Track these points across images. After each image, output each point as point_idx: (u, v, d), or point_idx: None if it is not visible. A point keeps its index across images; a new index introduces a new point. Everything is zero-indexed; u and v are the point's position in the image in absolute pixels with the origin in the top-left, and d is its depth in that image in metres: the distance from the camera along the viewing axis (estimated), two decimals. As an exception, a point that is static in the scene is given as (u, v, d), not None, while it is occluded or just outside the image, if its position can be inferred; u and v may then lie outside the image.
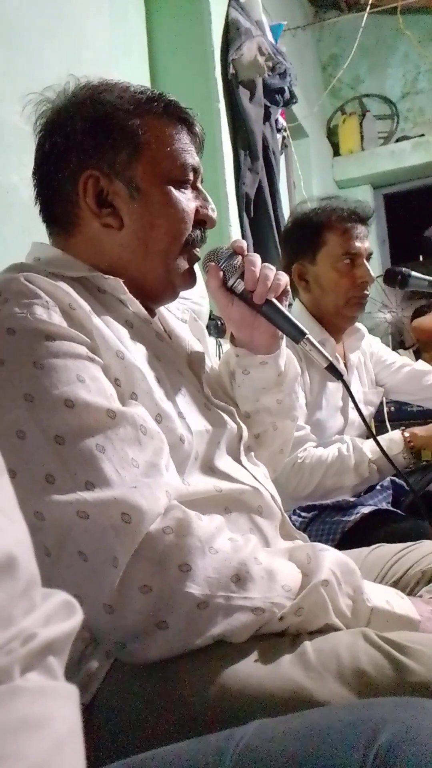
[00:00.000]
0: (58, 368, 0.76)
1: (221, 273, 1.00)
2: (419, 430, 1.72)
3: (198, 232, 0.98)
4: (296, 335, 0.99)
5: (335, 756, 0.46)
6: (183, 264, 0.98)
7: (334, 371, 1.02)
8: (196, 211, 0.97)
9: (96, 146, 0.92)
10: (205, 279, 1.04)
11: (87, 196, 0.93)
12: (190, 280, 1.00)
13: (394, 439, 1.72)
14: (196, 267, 1.02)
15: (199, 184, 1.00)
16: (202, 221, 0.98)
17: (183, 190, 0.96)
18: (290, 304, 1.57)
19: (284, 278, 1.01)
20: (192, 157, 0.97)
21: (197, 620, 0.70)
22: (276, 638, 0.74)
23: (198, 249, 1.00)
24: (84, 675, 0.74)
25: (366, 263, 1.78)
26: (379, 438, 1.74)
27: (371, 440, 1.74)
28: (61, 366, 0.76)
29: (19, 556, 0.36)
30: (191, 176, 0.97)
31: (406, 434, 1.71)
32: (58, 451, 0.72)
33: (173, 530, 0.73)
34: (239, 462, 0.98)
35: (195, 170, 0.97)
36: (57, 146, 0.93)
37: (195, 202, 0.97)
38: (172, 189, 0.94)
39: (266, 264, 1.00)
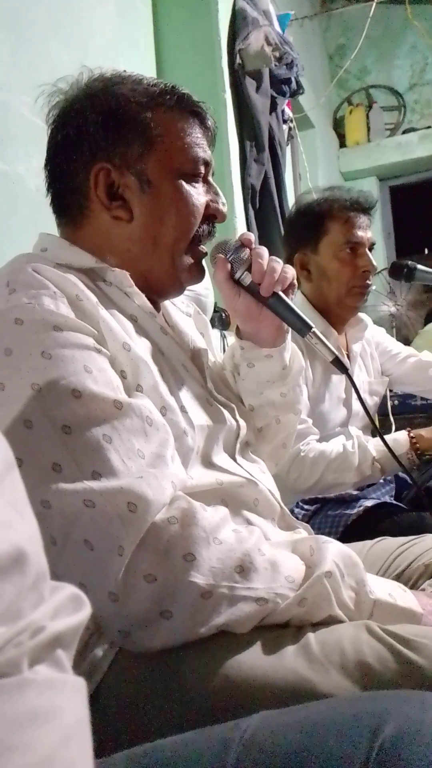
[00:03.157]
0: (65, 358, 0.76)
1: (229, 265, 1.00)
2: (425, 432, 1.71)
3: (206, 226, 0.98)
4: (302, 328, 0.99)
5: (339, 748, 0.47)
6: (189, 259, 0.98)
7: (339, 365, 1.02)
8: (207, 205, 0.97)
9: (108, 139, 0.92)
10: (211, 271, 1.04)
11: (98, 189, 0.93)
12: (197, 274, 1.00)
13: (399, 439, 1.71)
14: (204, 261, 1.02)
15: (210, 178, 1.00)
16: (212, 215, 0.98)
17: (194, 184, 0.96)
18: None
19: (291, 271, 1.01)
20: (203, 151, 0.96)
21: (201, 610, 0.71)
22: (279, 630, 0.75)
23: (204, 245, 1.00)
24: (88, 664, 0.74)
25: (368, 252, 1.77)
26: (386, 437, 1.74)
27: (376, 438, 1.74)
28: (69, 356, 0.77)
29: (29, 551, 0.36)
30: (202, 170, 0.97)
31: (412, 435, 1.70)
32: (65, 440, 0.73)
33: (178, 520, 0.73)
34: (234, 459, 0.98)
35: (206, 164, 0.97)
36: (69, 138, 0.93)
37: (206, 197, 0.97)
38: (183, 183, 0.94)
39: (273, 257, 1.00)
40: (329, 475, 1.61)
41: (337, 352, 1.01)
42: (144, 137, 0.92)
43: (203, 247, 0.99)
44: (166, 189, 0.93)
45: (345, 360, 1.81)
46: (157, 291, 0.98)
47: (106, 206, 0.93)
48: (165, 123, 0.93)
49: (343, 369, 1.04)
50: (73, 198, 0.95)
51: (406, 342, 3.61)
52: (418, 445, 1.69)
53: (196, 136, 0.96)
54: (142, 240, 0.94)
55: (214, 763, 0.50)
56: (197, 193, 0.96)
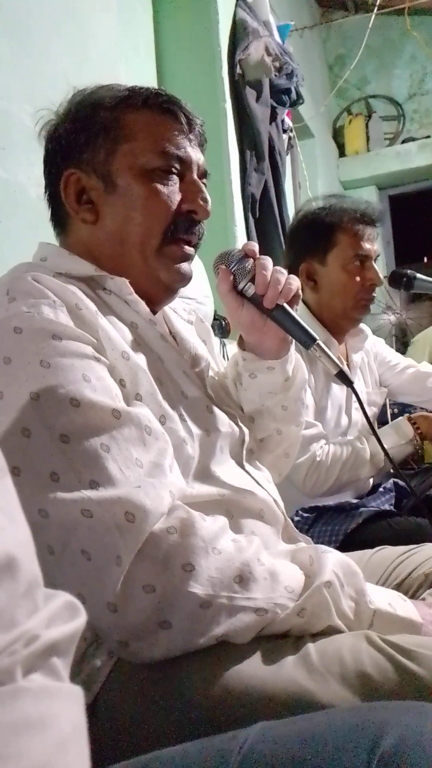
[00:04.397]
0: (64, 367, 0.76)
1: (232, 276, 0.98)
2: (424, 416, 1.81)
3: (183, 223, 0.95)
4: (306, 341, 0.97)
5: (339, 759, 0.46)
6: (165, 259, 0.95)
7: (344, 378, 1.01)
8: (183, 201, 0.95)
9: (76, 145, 0.94)
10: (210, 273, 1.04)
11: (67, 194, 0.95)
12: (179, 275, 0.97)
13: (401, 426, 1.78)
14: (199, 265, 1.01)
15: (193, 175, 0.97)
16: (190, 211, 0.96)
17: (165, 181, 0.94)
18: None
19: (295, 283, 0.98)
20: (176, 148, 0.94)
21: (200, 620, 0.70)
22: (279, 640, 0.74)
23: (188, 245, 0.97)
24: (86, 674, 0.74)
25: (375, 265, 1.78)
26: (387, 426, 1.84)
27: (384, 429, 1.83)
28: (68, 365, 0.76)
29: (20, 558, 0.36)
30: (175, 166, 0.95)
31: (413, 420, 1.79)
32: (63, 449, 0.72)
33: (177, 530, 0.73)
34: (242, 466, 0.97)
35: (180, 160, 0.95)
36: (49, 152, 0.98)
37: (179, 194, 0.95)
38: (151, 180, 0.93)
39: (277, 268, 0.98)
40: (345, 474, 1.64)
41: (341, 365, 1.01)
42: (109, 139, 0.93)
43: (188, 248, 0.97)
44: (131, 188, 0.93)
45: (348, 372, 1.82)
46: (146, 296, 0.96)
47: (74, 210, 0.95)
48: (131, 123, 0.93)
49: (347, 382, 1.02)
50: (58, 208, 0.98)
51: (405, 350, 3.62)
52: (420, 430, 1.77)
53: (166, 133, 0.94)
54: (111, 241, 0.94)
55: (213, 774, 0.49)
56: (168, 191, 0.94)
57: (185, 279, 0.99)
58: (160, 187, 0.93)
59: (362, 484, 1.77)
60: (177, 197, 0.95)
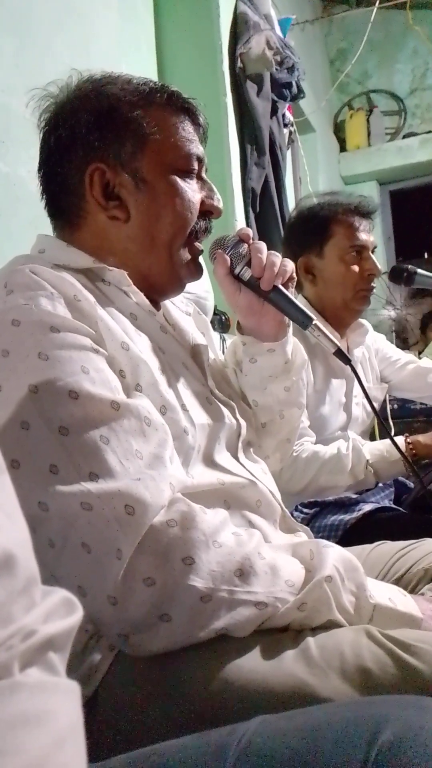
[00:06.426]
0: (62, 360, 0.76)
1: (228, 260, 1.00)
2: (422, 438, 1.69)
3: (202, 222, 0.98)
4: (304, 321, 1.00)
5: (337, 753, 0.46)
6: (187, 255, 0.98)
7: (342, 356, 1.03)
8: (202, 201, 0.97)
9: (101, 139, 0.92)
10: (211, 268, 1.05)
11: (93, 189, 0.93)
12: (195, 271, 1.00)
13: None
14: (201, 259, 1.02)
15: (203, 175, 1.00)
16: (207, 212, 0.98)
17: (188, 180, 0.96)
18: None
19: (290, 265, 1.01)
20: (196, 147, 0.97)
21: (200, 613, 0.70)
22: (279, 634, 0.74)
23: (200, 242, 1.00)
24: (86, 667, 0.74)
25: (372, 255, 1.78)
26: (379, 442, 1.74)
27: (372, 442, 1.75)
28: (66, 357, 0.76)
29: (18, 554, 0.36)
30: (196, 166, 0.97)
31: (409, 441, 1.69)
32: (62, 442, 0.72)
33: (177, 523, 0.72)
34: (236, 458, 0.98)
35: (200, 160, 0.98)
36: (62, 140, 0.93)
37: (200, 193, 0.98)
38: (178, 179, 0.94)
39: (272, 251, 1.01)
40: (322, 477, 1.60)
41: (339, 344, 1.02)
42: (137, 135, 0.92)
43: (199, 245, 0.99)
44: (161, 186, 0.93)
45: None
46: (157, 290, 0.98)
47: (102, 206, 0.93)
48: (157, 120, 0.93)
49: (345, 360, 1.04)
50: (69, 200, 0.95)
51: (405, 345, 3.62)
52: (415, 451, 1.67)
53: (188, 132, 0.96)
54: (140, 238, 0.94)
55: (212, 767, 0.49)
56: (192, 189, 0.96)
57: (200, 274, 1.01)
58: (186, 186, 0.95)
59: (342, 493, 1.67)
60: (198, 196, 0.97)
